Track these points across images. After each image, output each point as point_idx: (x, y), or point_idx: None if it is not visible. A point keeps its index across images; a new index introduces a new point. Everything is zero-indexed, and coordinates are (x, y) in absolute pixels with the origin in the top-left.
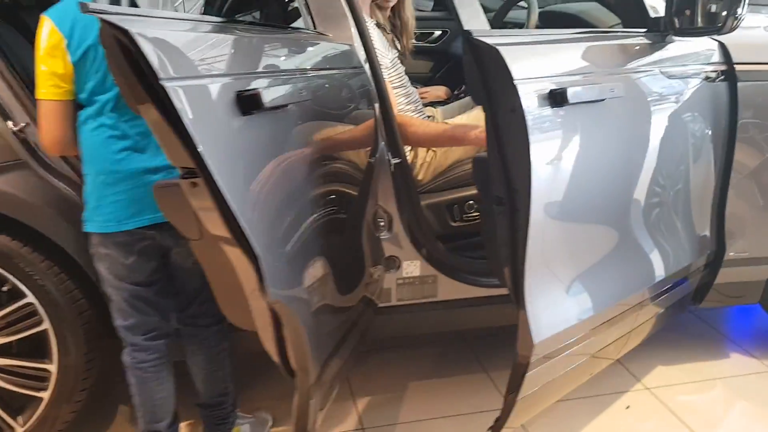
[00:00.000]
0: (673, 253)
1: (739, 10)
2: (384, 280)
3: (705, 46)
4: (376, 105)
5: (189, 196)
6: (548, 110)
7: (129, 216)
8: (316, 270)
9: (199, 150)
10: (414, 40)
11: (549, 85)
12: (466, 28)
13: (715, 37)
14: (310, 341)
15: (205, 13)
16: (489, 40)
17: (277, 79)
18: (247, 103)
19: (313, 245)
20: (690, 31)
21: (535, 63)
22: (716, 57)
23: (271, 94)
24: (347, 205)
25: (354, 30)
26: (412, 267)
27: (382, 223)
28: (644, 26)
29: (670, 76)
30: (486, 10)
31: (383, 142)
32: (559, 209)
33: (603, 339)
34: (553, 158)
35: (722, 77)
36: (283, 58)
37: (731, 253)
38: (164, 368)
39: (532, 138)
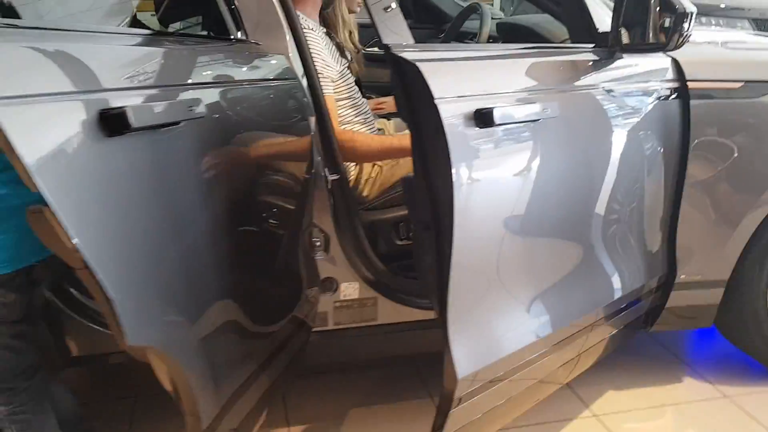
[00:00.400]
0: (622, 275)
1: (686, 27)
2: (320, 303)
3: (657, 62)
4: (312, 119)
5: (36, 224)
6: (474, 131)
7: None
8: (216, 303)
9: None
10: (376, 48)
11: (476, 105)
12: (385, 41)
13: (669, 53)
14: (200, 384)
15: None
16: (410, 56)
17: (161, 93)
18: (114, 122)
19: (216, 276)
20: (635, 47)
21: (462, 80)
22: (669, 74)
23: (147, 111)
24: (269, 226)
25: (290, 39)
26: (351, 289)
27: (317, 243)
28: (592, 41)
29: (615, 94)
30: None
31: (320, 158)
32: (487, 234)
33: (550, 363)
34: (479, 181)
35: (675, 95)
36: (178, 70)
37: (683, 276)
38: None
39: (454, 160)
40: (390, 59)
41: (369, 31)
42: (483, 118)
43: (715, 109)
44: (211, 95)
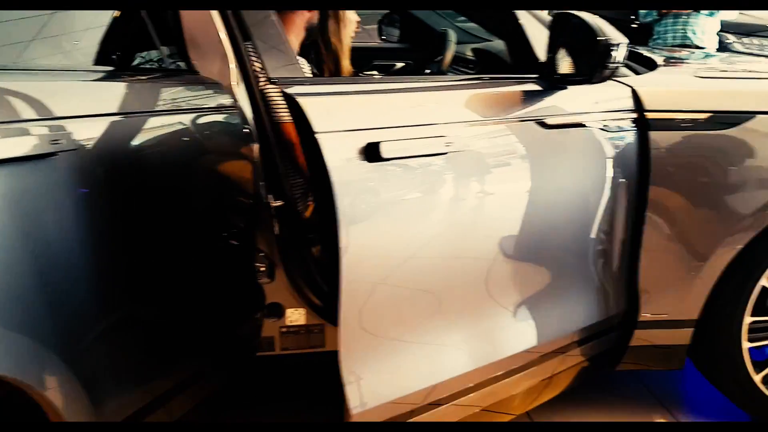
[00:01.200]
0: (566, 312)
1: (613, 59)
2: (265, 329)
3: (611, 92)
4: (255, 146)
5: None
6: (365, 165)
7: None
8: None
9: None
10: (375, 72)
11: (368, 139)
12: (271, 75)
13: (626, 82)
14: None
15: None
16: (298, 90)
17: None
18: None
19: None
20: (564, 78)
21: (354, 114)
22: (626, 104)
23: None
24: (196, 253)
25: (234, 68)
26: (297, 315)
27: (262, 269)
28: (535, 71)
29: (551, 125)
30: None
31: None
32: (379, 273)
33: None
34: (369, 217)
35: (633, 125)
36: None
37: (647, 314)
38: None
39: (339, 194)
40: (283, 94)
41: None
42: (374, 153)
43: (678, 140)
44: (129, 125)
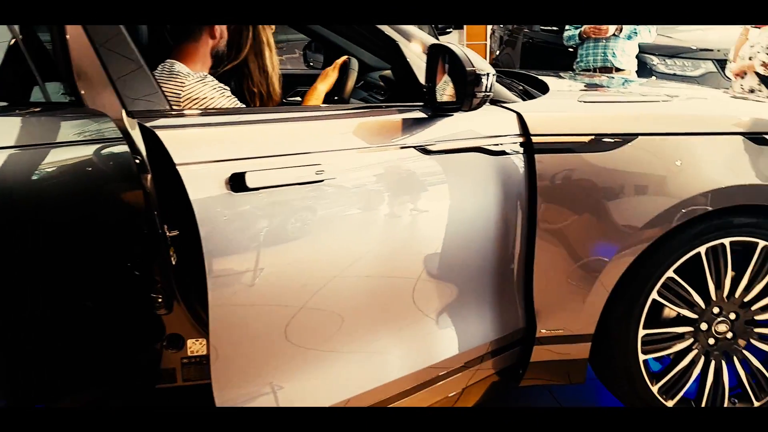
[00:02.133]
0: (454, 333)
1: (482, 88)
2: (166, 360)
3: (497, 118)
4: (148, 176)
5: None
6: (232, 197)
7: None
8: None
9: None
10: (299, 98)
11: (234, 169)
12: (130, 109)
13: (513, 107)
14: None
15: None
16: (158, 123)
17: None
18: None
19: None
20: (443, 106)
21: (219, 145)
22: (512, 129)
23: None
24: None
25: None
26: (198, 346)
27: (159, 300)
28: (419, 99)
29: (432, 152)
30: None
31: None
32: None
33: None
34: (235, 248)
35: (520, 149)
36: None
37: (543, 330)
38: None
39: (203, 225)
40: (141, 128)
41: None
42: (239, 183)
43: (562, 162)
44: (14, 159)
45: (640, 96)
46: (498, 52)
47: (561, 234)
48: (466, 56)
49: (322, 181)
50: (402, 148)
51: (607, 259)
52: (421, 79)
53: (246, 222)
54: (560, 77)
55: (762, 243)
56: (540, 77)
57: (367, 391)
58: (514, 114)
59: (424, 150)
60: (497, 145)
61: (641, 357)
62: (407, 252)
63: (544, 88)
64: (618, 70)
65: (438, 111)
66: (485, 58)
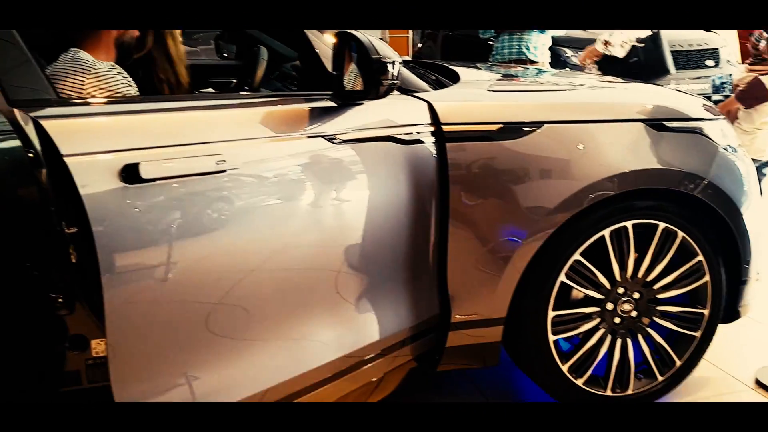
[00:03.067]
0: (373, 319)
1: (388, 76)
2: (71, 362)
3: (407, 107)
4: (43, 170)
5: None
6: (126, 189)
7: None
8: None
9: None
10: (211, 89)
11: (127, 160)
12: (13, 98)
13: (424, 96)
14: None
15: None
16: (43, 113)
17: None
18: None
19: None
20: (351, 95)
21: (111, 136)
22: (422, 118)
23: None
24: None
25: None
26: (103, 346)
27: (60, 300)
28: (328, 88)
29: (340, 141)
30: None
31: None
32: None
33: None
34: (129, 242)
35: (431, 138)
36: None
37: (457, 315)
38: None
39: (95, 218)
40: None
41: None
42: (133, 174)
43: (473, 151)
44: None
45: (548, 85)
46: (420, 45)
47: (473, 221)
48: (371, 44)
49: (223, 171)
50: (309, 137)
51: (516, 244)
52: (330, 67)
53: (143, 216)
54: (477, 68)
55: (662, 225)
56: (453, 67)
57: (287, 380)
58: (425, 103)
59: (332, 139)
60: (408, 134)
61: (551, 338)
62: (319, 243)
63: (455, 78)
64: (532, 62)
65: (346, 100)
66: (408, 51)
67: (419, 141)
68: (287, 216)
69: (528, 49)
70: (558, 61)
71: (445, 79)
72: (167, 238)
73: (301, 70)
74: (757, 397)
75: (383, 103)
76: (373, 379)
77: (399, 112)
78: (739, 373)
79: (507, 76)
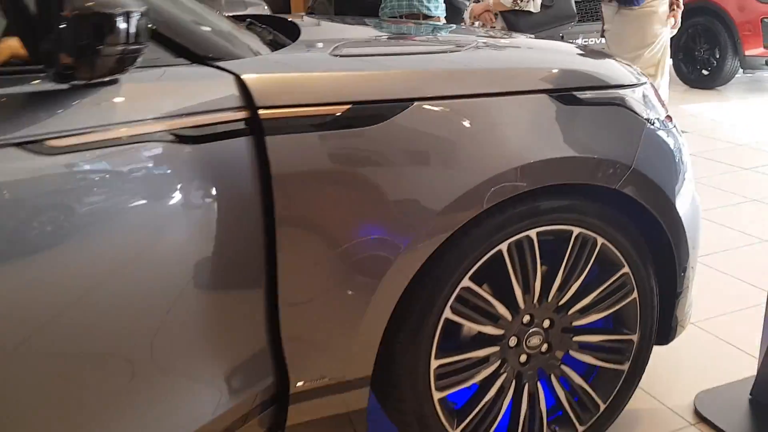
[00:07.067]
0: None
1: (116, 38)
2: None
3: (200, 85)
4: None
5: None
6: None
7: None
8: None
9: None
10: None
11: None
12: None
13: (229, 67)
14: None
15: None
16: None
17: None
18: None
19: None
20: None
21: None
22: (224, 101)
23: None
24: None
25: None
26: None
27: None
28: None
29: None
30: None
31: None
32: None
33: None
34: None
35: (242, 131)
36: None
37: (299, 384)
38: None
39: None
40: None
41: None
42: None
43: (306, 148)
44: None
45: (423, 46)
46: (312, 1)
47: (313, 246)
48: None
49: None
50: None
51: (377, 280)
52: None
53: None
54: (365, 24)
55: (576, 230)
56: (295, 21)
57: None
58: (231, 76)
59: (41, 147)
60: (199, 127)
61: (436, 395)
62: (67, 315)
63: (296, 37)
64: (427, 17)
65: (67, 80)
66: (302, 8)
67: (221, 136)
68: None
69: (420, 2)
70: (457, 15)
71: (286, 38)
72: None
73: None
74: None
75: (144, 79)
76: None
77: (183, 93)
78: (676, 401)
79: (393, 36)
